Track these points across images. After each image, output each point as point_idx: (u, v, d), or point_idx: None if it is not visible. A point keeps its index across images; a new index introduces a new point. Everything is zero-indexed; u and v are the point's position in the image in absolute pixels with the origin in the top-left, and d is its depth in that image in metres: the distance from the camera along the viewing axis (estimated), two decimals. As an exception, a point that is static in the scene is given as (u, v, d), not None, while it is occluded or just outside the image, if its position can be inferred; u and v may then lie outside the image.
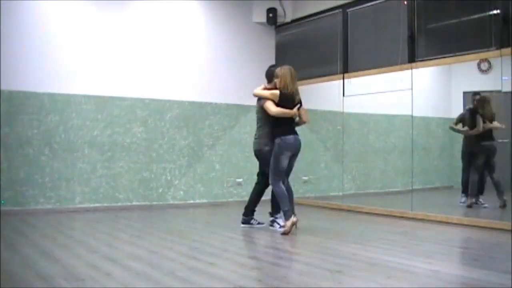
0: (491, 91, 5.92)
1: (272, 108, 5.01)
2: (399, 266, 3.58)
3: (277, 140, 5.01)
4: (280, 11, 7.94)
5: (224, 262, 3.73)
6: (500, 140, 5.81)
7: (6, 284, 3.03)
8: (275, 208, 5.30)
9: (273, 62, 8.10)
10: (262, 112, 5.16)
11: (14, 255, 3.88)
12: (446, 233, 5.22)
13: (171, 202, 7.25)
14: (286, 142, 4.99)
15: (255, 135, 5.35)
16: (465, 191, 6.50)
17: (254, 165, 7.66)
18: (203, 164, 7.56)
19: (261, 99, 5.17)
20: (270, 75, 5.31)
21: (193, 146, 7.49)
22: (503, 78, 5.39)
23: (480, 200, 6.35)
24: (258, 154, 5.32)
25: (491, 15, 5.43)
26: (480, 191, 6.37)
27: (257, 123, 5.32)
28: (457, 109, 6.88)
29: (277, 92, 5.02)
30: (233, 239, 4.71)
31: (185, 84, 7.45)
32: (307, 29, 7.84)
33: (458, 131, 6.60)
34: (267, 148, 5.16)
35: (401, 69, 6.30)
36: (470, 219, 5.59)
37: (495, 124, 6.06)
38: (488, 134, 6.17)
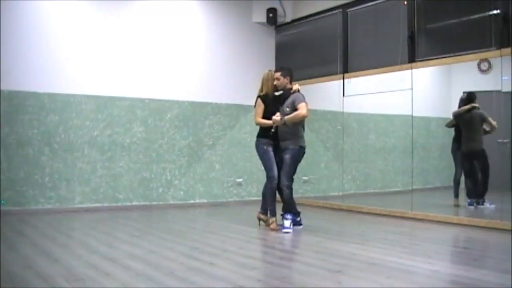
0: (491, 91, 5.91)
1: (255, 119, 5.33)
2: (399, 266, 3.58)
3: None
4: (280, 11, 7.93)
5: (224, 262, 3.73)
6: (500, 140, 5.81)
7: (6, 284, 3.03)
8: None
9: (273, 62, 8.11)
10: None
11: (14, 255, 3.88)
12: (446, 233, 5.23)
13: (171, 202, 7.25)
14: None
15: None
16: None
17: (254, 165, 7.70)
18: (203, 164, 7.55)
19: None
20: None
21: (193, 146, 7.49)
22: (503, 78, 5.39)
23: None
24: None
25: (491, 15, 5.43)
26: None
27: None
28: (456, 109, 6.88)
29: (259, 100, 5.27)
30: (233, 239, 4.70)
31: (185, 84, 7.45)
32: (307, 29, 7.84)
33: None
34: None
35: (401, 69, 6.30)
36: (470, 219, 5.59)
37: None
38: None
